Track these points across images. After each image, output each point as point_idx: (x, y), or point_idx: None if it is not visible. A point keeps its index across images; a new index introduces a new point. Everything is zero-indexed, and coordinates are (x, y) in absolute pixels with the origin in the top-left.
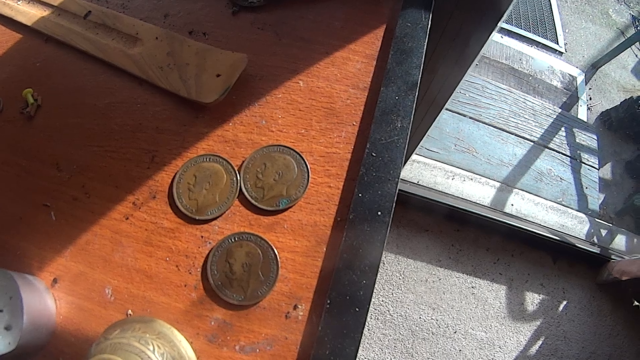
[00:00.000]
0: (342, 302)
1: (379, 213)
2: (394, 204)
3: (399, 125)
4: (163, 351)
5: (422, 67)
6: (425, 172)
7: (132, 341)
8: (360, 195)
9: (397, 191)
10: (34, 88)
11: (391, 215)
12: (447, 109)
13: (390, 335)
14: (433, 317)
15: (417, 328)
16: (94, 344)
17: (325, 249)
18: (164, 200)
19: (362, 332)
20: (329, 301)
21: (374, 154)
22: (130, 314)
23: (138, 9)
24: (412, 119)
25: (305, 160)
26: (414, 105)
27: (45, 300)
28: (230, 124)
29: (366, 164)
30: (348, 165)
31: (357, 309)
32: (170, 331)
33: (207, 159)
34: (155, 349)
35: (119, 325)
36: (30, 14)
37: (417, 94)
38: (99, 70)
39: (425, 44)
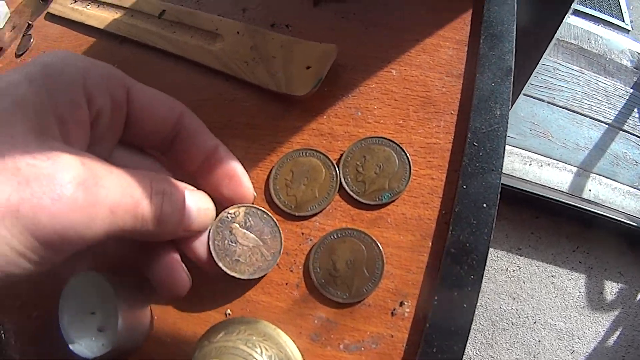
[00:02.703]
0: (449, 298)
1: (485, 205)
2: (499, 196)
3: (499, 113)
4: (271, 353)
5: (514, 52)
6: None
7: (238, 344)
8: (464, 187)
9: (500, 182)
10: None
11: (497, 207)
12: (522, 94)
13: None
14: (513, 307)
15: (497, 318)
16: (197, 348)
17: (430, 244)
18: (261, 197)
19: (469, 330)
20: (436, 298)
21: (476, 144)
22: (229, 314)
23: (214, 5)
24: (509, 106)
25: (406, 152)
26: (511, 91)
27: (139, 301)
28: (325, 117)
29: (469, 155)
30: (450, 156)
31: (464, 306)
32: (276, 332)
33: (304, 154)
34: (262, 352)
35: (222, 328)
36: (102, 17)
37: (512, 79)
38: (181, 69)
39: (515, 27)
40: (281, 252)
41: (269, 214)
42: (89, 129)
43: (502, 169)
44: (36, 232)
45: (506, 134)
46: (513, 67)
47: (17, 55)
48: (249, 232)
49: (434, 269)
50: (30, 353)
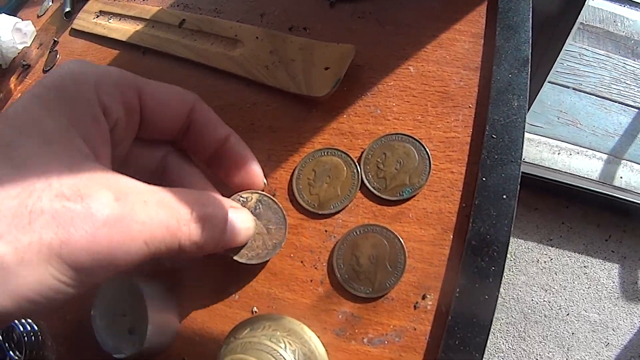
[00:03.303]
0: (471, 290)
1: (504, 197)
2: (519, 187)
3: (516, 105)
4: (294, 348)
5: (531, 42)
6: (530, 148)
7: (263, 340)
8: (484, 179)
9: (520, 173)
10: None
11: (517, 199)
12: (547, 81)
13: (502, 319)
14: (545, 299)
15: (530, 311)
16: (223, 344)
17: (452, 237)
18: (284, 197)
19: (491, 321)
20: (458, 290)
21: (494, 136)
22: (255, 312)
23: (232, 12)
24: (527, 97)
25: (425, 147)
26: (528, 82)
27: (168, 302)
28: (345, 116)
29: (487, 147)
30: (469, 149)
31: (486, 297)
32: (300, 327)
33: (325, 153)
34: (286, 347)
35: (248, 324)
36: (124, 30)
37: (529, 70)
38: (203, 76)
39: (531, 17)
40: (283, 243)
41: (280, 205)
42: (109, 138)
43: (521, 160)
44: (77, 266)
45: (525, 125)
46: (530, 57)
47: (45, 71)
48: (256, 219)
49: (456, 261)
50: (65, 353)
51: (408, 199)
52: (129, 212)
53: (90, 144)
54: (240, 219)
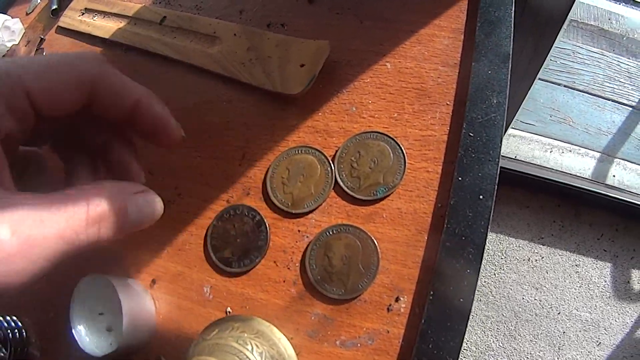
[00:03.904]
0: (445, 293)
1: (481, 197)
2: (496, 186)
3: (495, 102)
4: (261, 350)
5: (512, 37)
6: (522, 146)
7: (229, 341)
8: (460, 179)
9: (498, 172)
10: None
11: (494, 199)
12: (539, 79)
13: (493, 318)
14: (536, 298)
15: (520, 309)
16: (192, 344)
17: (426, 238)
18: (258, 196)
19: (466, 325)
20: (432, 292)
21: (472, 134)
22: (229, 312)
23: (212, 9)
24: (507, 94)
25: (401, 145)
26: (509, 78)
27: (143, 301)
28: (320, 114)
29: (464, 145)
30: (445, 148)
31: (460, 300)
32: (269, 329)
33: (299, 151)
34: (253, 349)
35: (217, 325)
36: (107, 27)
37: (510, 66)
38: (182, 73)
39: (513, 12)
40: None
41: None
42: (2, 152)
43: (499, 159)
44: None
45: (504, 123)
46: (511, 53)
47: None
48: None
49: (430, 263)
50: (49, 350)
51: (382, 199)
52: (26, 240)
53: None
54: (142, 204)
